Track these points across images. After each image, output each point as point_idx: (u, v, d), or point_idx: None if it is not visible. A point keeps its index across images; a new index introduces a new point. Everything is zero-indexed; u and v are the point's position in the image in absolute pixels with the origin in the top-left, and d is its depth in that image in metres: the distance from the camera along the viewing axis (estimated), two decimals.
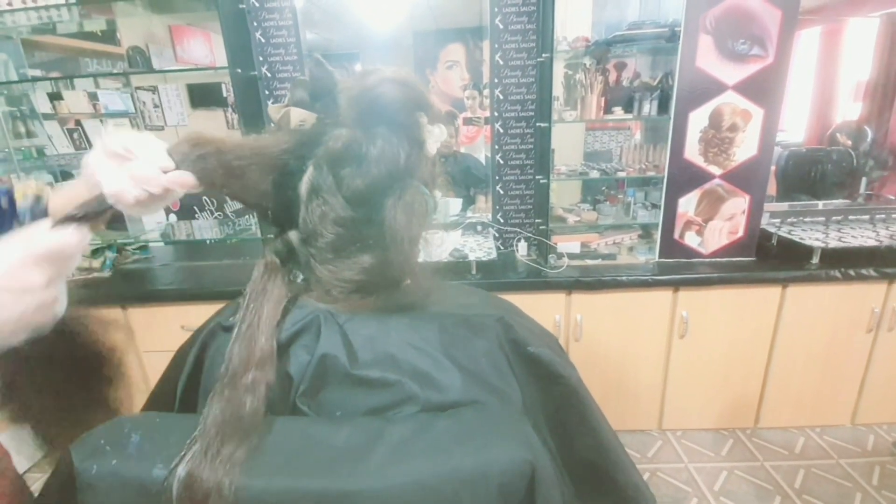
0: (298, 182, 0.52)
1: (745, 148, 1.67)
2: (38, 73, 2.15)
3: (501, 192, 2.02)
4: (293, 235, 0.55)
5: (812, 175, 2.21)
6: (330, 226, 0.52)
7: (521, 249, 1.93)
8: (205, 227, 2.23)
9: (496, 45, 1.85)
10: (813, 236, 1.81)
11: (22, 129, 2.10)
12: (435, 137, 0.55)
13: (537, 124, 1.87)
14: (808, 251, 1.72)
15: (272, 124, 0.56)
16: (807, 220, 2.01)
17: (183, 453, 0.44)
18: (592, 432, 0.61)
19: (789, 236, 1.83)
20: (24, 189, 0.58)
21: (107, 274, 1.93)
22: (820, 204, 2.08)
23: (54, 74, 2.20)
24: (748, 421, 1.91)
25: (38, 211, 0.59)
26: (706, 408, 1.89)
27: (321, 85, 0.51)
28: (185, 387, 0.60)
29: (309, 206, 0.52)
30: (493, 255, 1.82)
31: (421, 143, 0.54)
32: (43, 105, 2.12)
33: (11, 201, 0.57)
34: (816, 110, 2.37)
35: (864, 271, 1.65)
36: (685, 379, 1.83)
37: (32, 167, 2.15)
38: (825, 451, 1.80)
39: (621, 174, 2.00)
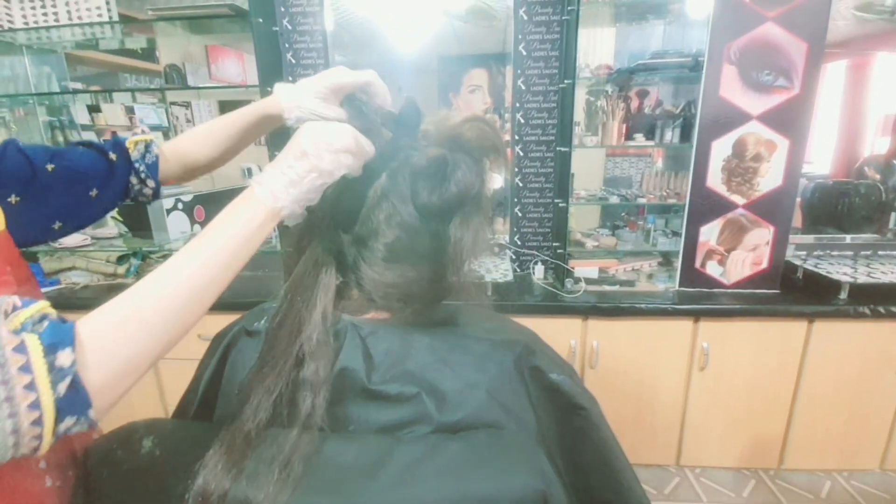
0: (367, 187, 0.55)
1: (769, 178, 1.65)
2: (79, 85, 2.26)
3: (520, 214, 2.02)
4: (343, 237, 0.56)
5: (839, 208, 2.16)
6: (394, 227, 0.55)
7: (538, 272, 1.92)
8: None
9: (519, 71, 1.88)
10: (841, 270, 1.76)
11: (60, 139, 2.20)
12: (492, 184, 0.59)
13: (558, 148, 1.87)
14: (835, 286, 1.66)
15: None
16: (834, 253, 1.95)
17: (202, 462, 0.44)
18: (613, 473, 0.59)
19: (816, 270, 1.78)
20: (134, 139, 0.71)
21: (131, 280, 1.97)
22: (848, 238, 2.02)
23: (94, 88, 2.30)
24: (772, 461, 1.82)
25: (151, 159, 0.72)
26: (727, 445, 1.82)
27: (411, 121, 0.55)
28: (205, 390, 0.60)
29: (376, 208, 0.55)
30: (510, 276, 1.81)
31: (486, 182, 0.58)
32: (82, 116, 2.21)
33: (123, 152, 0.70)
34: (843, 143, 2.33)
35: (894, 309, 1.59)
36: (705, 413, 1.77)
37: None
38: (853, 497, 1.71)
39: (641, 200, 1.98)
